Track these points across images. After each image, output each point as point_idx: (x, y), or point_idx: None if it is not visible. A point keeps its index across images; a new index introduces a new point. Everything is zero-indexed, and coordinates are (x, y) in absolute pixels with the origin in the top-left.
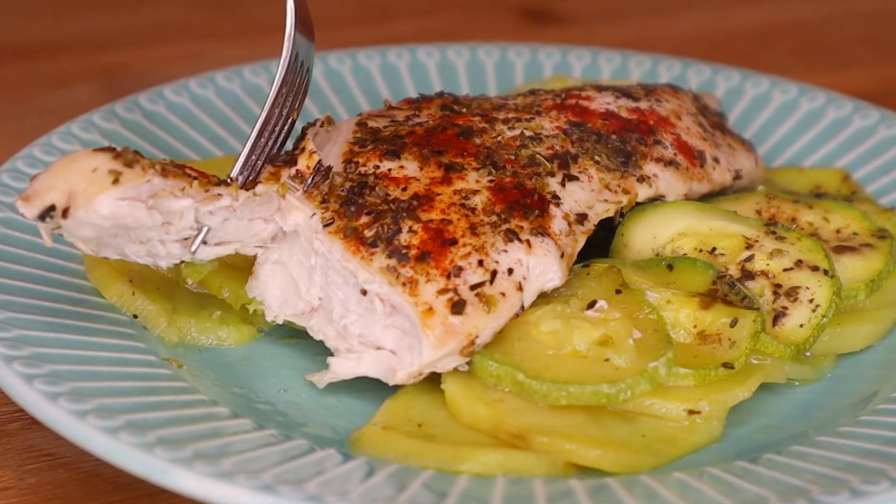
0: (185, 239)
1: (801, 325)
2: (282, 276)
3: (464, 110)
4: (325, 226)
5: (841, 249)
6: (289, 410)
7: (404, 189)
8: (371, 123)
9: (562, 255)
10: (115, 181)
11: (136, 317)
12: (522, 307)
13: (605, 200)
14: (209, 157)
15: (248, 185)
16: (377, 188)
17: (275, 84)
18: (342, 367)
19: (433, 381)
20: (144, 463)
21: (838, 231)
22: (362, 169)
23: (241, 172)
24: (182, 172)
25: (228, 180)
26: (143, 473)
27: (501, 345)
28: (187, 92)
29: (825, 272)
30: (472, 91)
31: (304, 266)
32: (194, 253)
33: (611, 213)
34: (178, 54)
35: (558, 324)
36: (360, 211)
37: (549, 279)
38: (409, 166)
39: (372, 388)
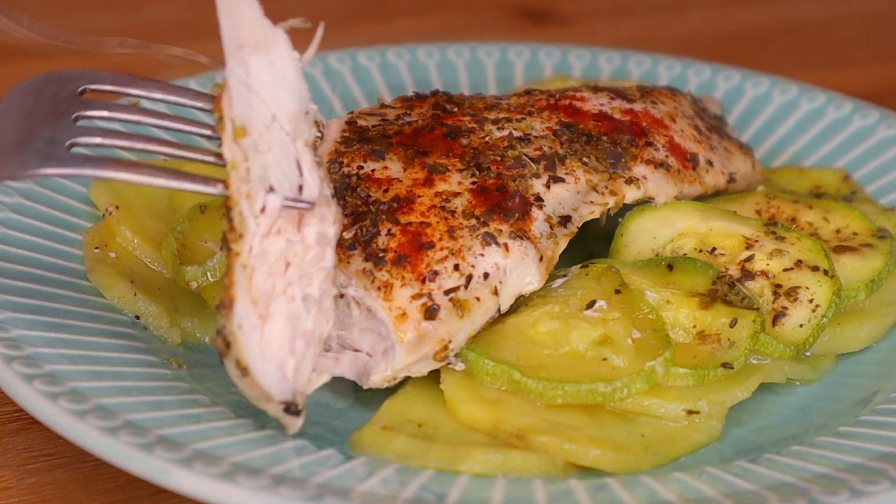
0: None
1: (801, 326)
2: None
3: (455, 109)
4: None
5: (841, 249)
6: None
7: (386, 190)
8: (360, 122)
9: (541, 259)
10: (244, 372)
11: (138, 318)
12: (499, 311)
13: (591, 202)
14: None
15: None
16: (359, 189)
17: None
18: (320, 366)
19: (433, 381)
20: (144, 463)
21: (838, 231)
22: (346, 169)
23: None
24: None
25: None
26: (143, 473)
27: (499, 344)
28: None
29: (825, 272)
30: (472, 92)
31: None
32: (311, 199)
33: (596, 216)
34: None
35: (556, 324)
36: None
37: (527, 283)
38: (393, 167)
39: (372, 389)
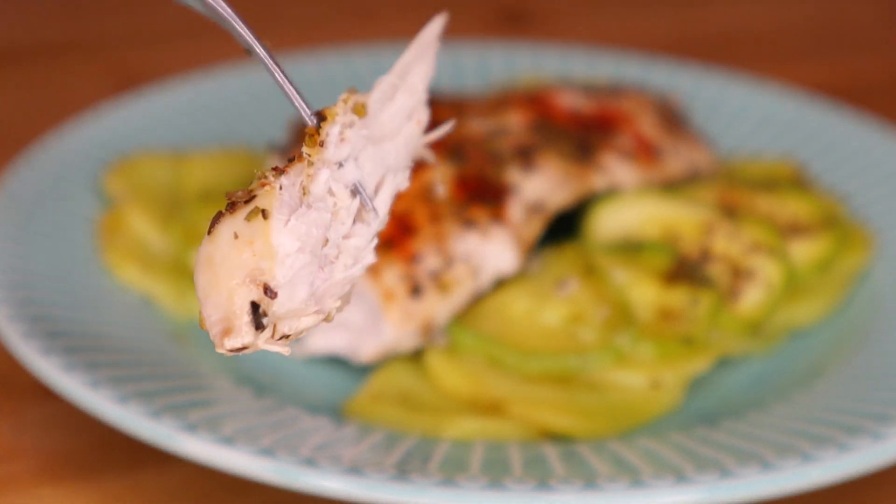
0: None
1: (757, 304)
2: None
3: (437, 105)
4: None
5: (794, 234)
6: (286, 381)
7: None
8: None
9: (518, 242)
10: (263, 214)
11: (146, 296)
12: (480, 291)
13: (564, 190)
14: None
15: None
16: None
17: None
18: (313, 343)
19: (418, 356)
20: (152, 429)
21: (792, 217)
22: None
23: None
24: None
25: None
26: (151, 439)
27: (479, 321)
28: (198, 89)
29: (779, 255)
30: (452, 89)
31: None
32: (375, 210)
33: (568, 203)
34: (190, 52)
35: (531, 302)
36: None
37: (505, 265)
38: None
39: (362, 364)
